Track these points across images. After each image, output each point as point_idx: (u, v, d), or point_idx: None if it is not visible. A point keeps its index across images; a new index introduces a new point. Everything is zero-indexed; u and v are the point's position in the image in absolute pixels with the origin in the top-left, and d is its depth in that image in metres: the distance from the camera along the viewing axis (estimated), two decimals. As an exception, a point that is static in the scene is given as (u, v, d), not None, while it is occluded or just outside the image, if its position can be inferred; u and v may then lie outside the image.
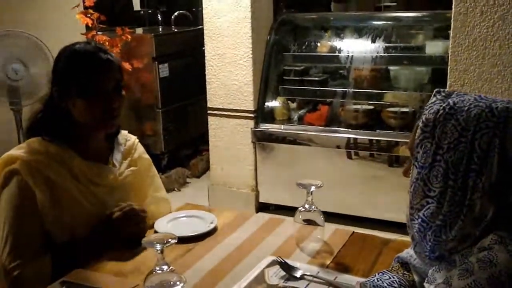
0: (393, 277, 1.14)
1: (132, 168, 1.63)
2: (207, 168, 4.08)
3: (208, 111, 3.51)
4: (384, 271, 1.17)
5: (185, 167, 4.16)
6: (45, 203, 1.43)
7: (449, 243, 0.90)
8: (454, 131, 0.89)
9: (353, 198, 3.17)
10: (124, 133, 1.68)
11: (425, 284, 0.97)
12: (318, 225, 1.47)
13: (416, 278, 1.14)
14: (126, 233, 1.48)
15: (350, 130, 3.19)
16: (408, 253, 1.18)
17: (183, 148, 4.32)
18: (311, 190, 1.45)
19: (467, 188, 0.87)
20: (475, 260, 0.84)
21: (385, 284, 1.12)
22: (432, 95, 0.97)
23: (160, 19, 4.70)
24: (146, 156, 1.73)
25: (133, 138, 1.71)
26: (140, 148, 1.71)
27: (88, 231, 1.48)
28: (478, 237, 0.88)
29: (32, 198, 1.42)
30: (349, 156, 3.24)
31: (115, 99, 1.49)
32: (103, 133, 1.56)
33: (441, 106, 0.92)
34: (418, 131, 0.94)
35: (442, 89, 0.98)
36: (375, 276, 1.16)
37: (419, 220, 0.93)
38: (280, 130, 3.35)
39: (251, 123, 3.39)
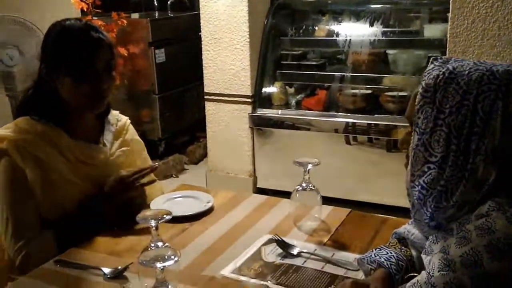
0: (391, 252, 1.12)
1: (123, 148, 1.61)
2: (204, 155, 4.07)
3: (205, 97, 3.48)
4: (381, 247, 1.16)
5: (183, 153, 4.14)
6: (36, 182, 1.41)
7: (448, 209, 0.89)
8: (456, 94, 0.87)
9: (351, 183, 3.16)
10: (115, 113, 1.66)
11: (422, 255, 0.96)
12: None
13: (413, 253, 1.12)
14: (121, 200, 1.47)
15: (348, 114, 3.17)
16: (406, 228, 1.17)
17: (180, 135, 4.29)
18: (308, 168, 1.43)
19: (470, 152, 0.86)
20: (473, 227, 0.83)
21: (382, 259, 1.11)
22: (430, 63, 0.95)
23: (156, 4, 4.65)
24: (138, 138, 1.71)
25: (125, 119, 1.68)
26: (132, 130, 1.69)
27: (81, 208, 1.46)
28: (477, 204, 0.86)
29: (23, 177, 1.40)
30: (347, 141, 3.22)
31: (105, 79, 1.46)
32: (91, 113, 1.53)
33: (440, 71, 0.90)
34: (418, 96, 0.92)
35: (439, 56, 0.96)
36: (372, 251, 1.15)
37: (419, 187, 0.92)
38: (278, 115, 3.33)
39: (248, 108, 3.37)
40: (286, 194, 1.65)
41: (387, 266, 1.09)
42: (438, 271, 0.83)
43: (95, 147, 1.54)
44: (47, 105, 1.47)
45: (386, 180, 3.04)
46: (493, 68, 0.88)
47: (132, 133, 1.68)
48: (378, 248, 1.16)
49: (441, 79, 0.90)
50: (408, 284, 0.90)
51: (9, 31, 3.28)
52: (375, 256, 1.12)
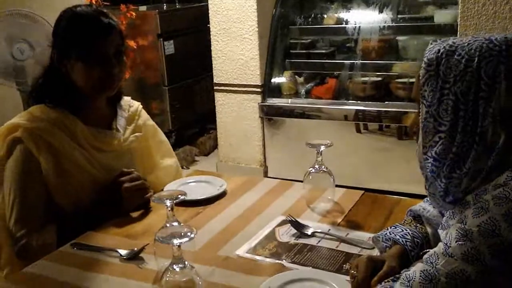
0: (406, 230, 1.12)
1: (136, 134, 1.61)
2: (215, 146, 4.07)
3: (215, 87, 3.49)
4: (397, 225, 1.16)
5: (193, 145, 4.14)
6: (50, 170, 1.42)
7: (462, 180, 0.89)
8: (459, 64, 0.90)
9: (363, 171, 3.15)
10: (127, 99, 1.67)
11: (439, 231, 0.96)
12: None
13: (429, 230, 1.12)
14: (132, 205, 1.48)
15: (358, 102, 3.15)
16: (421, 206, 1.17)
17: (190, 126, 4.30)
18: (320, 150, 1.43)
19: (478, 116, 0.88)
20: (490, 197, 0.83)
21: (398, 237, 1.11)
22: (429, 44, 0.97)
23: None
24: (151, 122, 1.72)
25: (137, 104, 1.69)
26: (144, 115, 1.70)
27: (94, 198, 1.46)
28: (490, 172, 0.87)
29: (36, 166, 1.41)
30: (358, 129, 3.21)
31: (115, 64, 1.46)
32: (102, 96, 1.54)
33: (441, 46, 0.94)
34: (422, 71, 0.94)
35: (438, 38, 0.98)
36: (387, 229, 1.15)
37: (432, 159, 0.93)
38: (288, 104, 3.32)
39: (258, 98, 3.37)
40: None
41: (402, 242, 1.09)
42: (456, 242, 0.83)
43: (108, 133, 1.55)
44: (60, 92, 1.48)
45: (397, 167, 3.03)
46: (491, 37, 0.91)
47: (144, 118, 1.68)
48: (393, 226, 1.16)
49: (443, 52, 0.93)
50: (425, 256, 0.90)
51: (19, 26, 3.30)
52: (390, 234, 1.12)
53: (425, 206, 1.16)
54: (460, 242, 0.83)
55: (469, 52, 0.89)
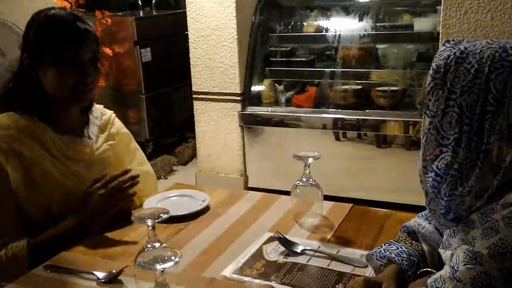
0: (401, 247, 1.07)
1: (110, 142, 1.54)
2: (193, 155, 3.99)
3: (193, 95, 3.41)
4: (391, 241, 1.11)
5: (171, 154, 4.06)
6: (19, 181, 1.33)
7: (465, 198, 0.84)
8: (467, 73, 0.84)
9: (344, 180, 3.11)
10: (99, 107, 1.60)
11: (440, 250, 0.91)
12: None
13: (425, 247, 1.07)
14: (113, 211, 1.39)
15: (339, 110, 3.12)
16: (416, 221, 1.12)
17: (168, 135, 4.21)
18: (308, 162, 1.37)
19: (483, 132, 0.83)
20: (500, 217, 0.78)
21: (393, 255, 1.05)
22: (441, 45, 0.91)
23: (140, 3, 4.56)
24: (125, 130, 1.64)
25: (109, 113, 1.62)
26: (118, 122, 1.63)
27: (65, 209, 1.38)
28: (496, 192, 0.81)
29: (4, 177, 1.33)
30: (338, 138, 3.18)
31: (90, 71, 1.39)
32: (75, 106, 1.47)
33: (451, 51, 0.87)
34: (428, 78, 0.89)
35: (451, 38, 0.92)
36: (381, 246, 1.10)
37: (433, 173, 0.87)
38: (268, 113, 3.27)
39: (238, 106, 3.30)
40: (278, 193, 1.60)
41: (398, 261, 1.03)
42: (464, 265, 0.78)
43: (80, 140, 1.47)
44: (30, 99, 1.40)
45: (379, 176, 3.01)
46: (507, 45, 0.85)
47: (118, 126, 1.61)
48: (388, 243, 1.11)
49: (452, 59, 0.87)
50: (430, 280, 0.85)
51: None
52: (385, 252, 1.07)
53: (420, 222, 1.11)
54: (468, 266, 0.78)
55: (480, 61, 0.83)
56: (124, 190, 1.40)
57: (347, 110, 3.10)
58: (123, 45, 3.69)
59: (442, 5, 2.55)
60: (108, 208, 1.38)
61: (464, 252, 0.80)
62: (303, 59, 3.43)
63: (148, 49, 3.76)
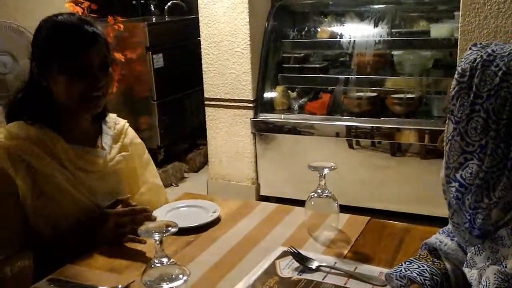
0: (423, 266, 1.01)
1: (123, 153, 1.49)
2: (205, 162, 3.95)
3: (205, 102, 3.37)
4: (412, 260, 1.04)
5: (182, 161, 4.02)
6: (27, 193, 1.29)
7: (492, 210, 0.78)
8: (494, 77, 0.79)
9: (358, 189, 3.04)
10: (112, 116, 1.54)
11: (465, 269, 0.85)
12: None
13: (448, 266, 1.01)
14: (121, 240, 1.34)
15: (353, 118, 3.06)
16: (437, 238, 1.06)
17: (180, 142, 4.17)
18: (324, 173, 1.32)
19: (511, 138, 0.77)
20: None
21: (415, 274, 0.99)
22: (468, 49, 0.86)
23: (153, 9, 4.55)
24: (139, 140, 1.59)
25: (123, 122, 1.57)
26: (131, 132, 1.58)
27: (74, 223, 1.33)
28: None
29: (12, 188, 1.28)
30: (352, 146, 3.11)
31: (101, 77, 1.35)
32: (86, 114, 1.42)
33: (478, 54, 0.82)
34: (453, 82, 0.83)
35: (478, 42, 0.87)
36: (401, 265, 1.03)
37: (457, 183, 0.81)
38: (281, 120, 3.22)
39: (250, 113, 3.26)
40: (291, 202, 1.54)
41: (420, 281, 0.97)
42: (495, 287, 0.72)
43: (93, 151, 1.42)
44: (40, 107, 1.36)
45: (393, 185, 2.94)
46: None
47: (131, 137, 1.56)
48: (408, 261, 1.04)
49: (479, 62, 0.82)
50: (458, 304, 0.79)
51: (2, 38, 3.18)
52: (406, 271, 1.01)
53: (441, 239, 1.05)
54: (501, 289, 0.72)
55: (508, 63, 0.78)
56: (137, 223, 1.34)
57: (362, 118, 3.04)
58: (135, 51, 3.66)
59: (460, 10, 2.49)
60: (118, 237, 1.33)
61: (495, 274, 0.74)
62: (317, 65, 3.38)
63: (160, 55, 3.73)
